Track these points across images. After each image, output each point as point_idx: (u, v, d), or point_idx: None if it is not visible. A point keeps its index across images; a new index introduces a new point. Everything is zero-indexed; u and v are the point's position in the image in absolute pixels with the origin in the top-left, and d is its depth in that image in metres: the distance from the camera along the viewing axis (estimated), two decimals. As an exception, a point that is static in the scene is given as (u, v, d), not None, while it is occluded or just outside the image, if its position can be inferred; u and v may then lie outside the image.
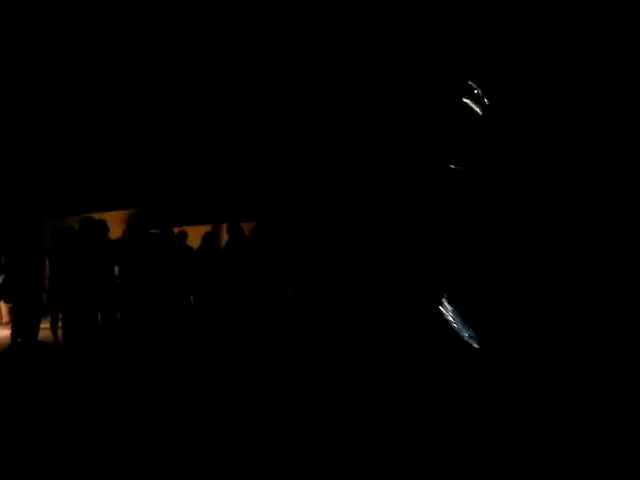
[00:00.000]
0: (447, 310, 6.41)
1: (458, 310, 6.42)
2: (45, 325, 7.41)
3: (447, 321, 6.29)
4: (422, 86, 7.35)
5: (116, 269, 7.31)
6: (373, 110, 7.33)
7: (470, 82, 6.45)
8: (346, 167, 7.69)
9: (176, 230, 7.78)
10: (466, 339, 6.12)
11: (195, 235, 7.90)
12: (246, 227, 7.88)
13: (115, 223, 7.78)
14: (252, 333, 7.05)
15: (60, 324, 7.09)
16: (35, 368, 6.70)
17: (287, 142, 8.16)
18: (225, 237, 7.86)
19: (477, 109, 6.62)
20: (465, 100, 6.58)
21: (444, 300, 6.44)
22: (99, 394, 5.38)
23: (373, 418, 4.43)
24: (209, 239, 7.62)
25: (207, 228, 7.89)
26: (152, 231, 7.71)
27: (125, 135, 8.27)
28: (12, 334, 7.48)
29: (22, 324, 7.51)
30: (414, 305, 6.98)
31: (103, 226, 6.99)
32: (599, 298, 6.40)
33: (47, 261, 7.39)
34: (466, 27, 7.20)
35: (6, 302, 8.41)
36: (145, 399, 5.21)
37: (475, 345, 5.94)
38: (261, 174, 8.33)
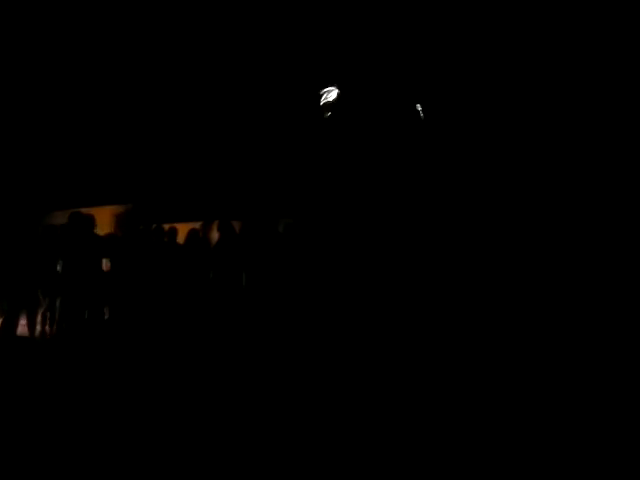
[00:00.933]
0: None
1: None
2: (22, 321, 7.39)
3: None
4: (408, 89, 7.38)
5: (104, 264, 7.33)
6: (356, 112, 7.36)
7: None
8: (335, 164, 7.68)
9: (166, 227, 7.81)
10: None
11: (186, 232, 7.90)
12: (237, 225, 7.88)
13: (106, 218, 7.82)
14: (237, 329, 7.03)
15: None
16: (22, 362, 6.68)
17: (279, 141, 8.17)
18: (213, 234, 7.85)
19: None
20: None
21: None
22: (86, 388, 5.35)
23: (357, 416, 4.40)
24: (194, 236, 7.62)
25: (198, 225, 7.89)
26: (142, 227, 7.73)
27: (117, 132, 8.30)
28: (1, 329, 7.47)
29: (13, 320, 7.51)
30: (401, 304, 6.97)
31: (90, 221, 7.02)
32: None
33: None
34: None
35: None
36: (132, 394, 5.18)
37: None
38: (252, 172, 8.33)
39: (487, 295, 6.94)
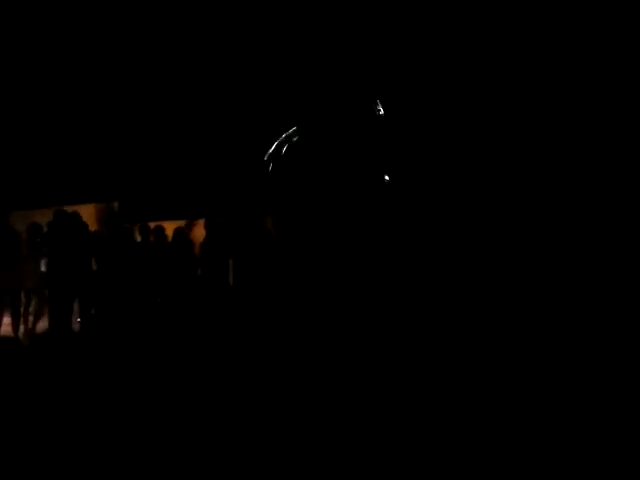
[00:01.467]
0: None
1: None
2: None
3: None
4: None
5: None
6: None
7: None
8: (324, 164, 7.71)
9: (152, 225, 7.78)
10: None
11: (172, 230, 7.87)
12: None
13: (90, 217, 7.76)
14: (225, 326, 7.06)
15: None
16: (7, 362, 6.62)
17: (264, 139, 8.17)
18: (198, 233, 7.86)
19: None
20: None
21: None
22: (74, 387, 5.34)
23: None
24: (180, 234, 7.63)
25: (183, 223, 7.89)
26: (127, 225, 7.71)
27: (101, 129, 8.23)
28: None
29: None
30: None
31: (77, 219, 6.99)
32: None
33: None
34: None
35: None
36: (120, 392, 5.18)
37: None
38: (237, 170, 8.32)
39: (485, 295, 7.01)
